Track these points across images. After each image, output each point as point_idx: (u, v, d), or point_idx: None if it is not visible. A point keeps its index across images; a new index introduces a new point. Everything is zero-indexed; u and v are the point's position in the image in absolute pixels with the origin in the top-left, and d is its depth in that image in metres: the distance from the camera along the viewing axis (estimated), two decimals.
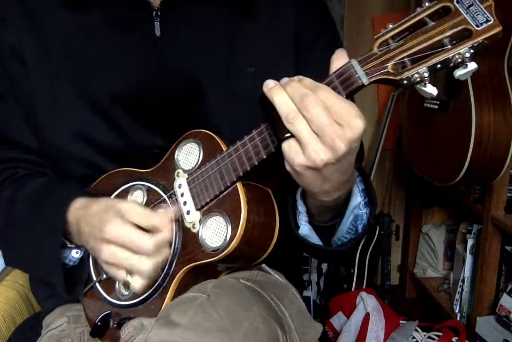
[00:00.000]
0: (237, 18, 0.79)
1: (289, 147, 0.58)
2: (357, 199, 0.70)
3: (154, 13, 0.76)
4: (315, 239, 0.74)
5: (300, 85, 0.57)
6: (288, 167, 0.61)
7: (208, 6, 0.78)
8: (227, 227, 0.66)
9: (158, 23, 0.77)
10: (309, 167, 0.58)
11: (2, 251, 0.86)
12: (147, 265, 0.66)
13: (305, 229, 0.73)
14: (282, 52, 0.81)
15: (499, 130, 1.45)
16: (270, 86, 0.59)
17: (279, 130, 0.59)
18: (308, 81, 0.58)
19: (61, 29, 0.79)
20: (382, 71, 0.56)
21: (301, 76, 0.59)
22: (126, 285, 0.69)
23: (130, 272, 0.67)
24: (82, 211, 0.72)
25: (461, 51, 0.53)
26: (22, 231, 0.79)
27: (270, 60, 0.80)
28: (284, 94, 0.57)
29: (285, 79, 0.60)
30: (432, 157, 1.71)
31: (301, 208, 0.73)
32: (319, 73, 0.60)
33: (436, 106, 1.61)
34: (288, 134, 0.58)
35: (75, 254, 0.77)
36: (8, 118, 0.82)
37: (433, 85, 0.56)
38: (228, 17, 0.79)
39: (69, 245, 0.77)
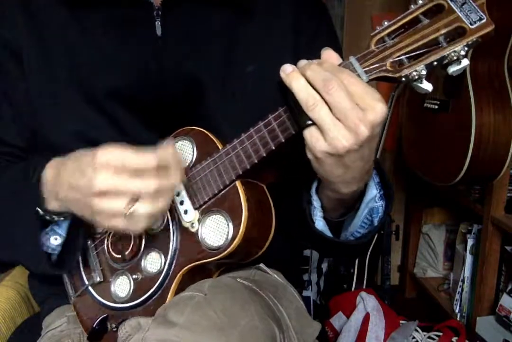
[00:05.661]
0: (237, 17, 0.80)
1: (310, 135, 0.58)
2: (373, 191, 0.70)
3: (155, 12, 0.77)
4: (329, 234, 0.74)
5: (320, 68, 0.56)
6: (309, 155, 0.60)
7: (208, 5, 0.79)
8: (228, 225, 0.66)
9: (159, 23, 0.77)
10: (330, 154, 0.57)
11: None
12: (151, 183, 0.59)
13: (320, 224, 0.73)
14: (281, 50, 0.81)
15: (499, 130, 1.45)
16: (288, 71, 0.58)
17: (299, 118, 0.58)
18: (328, 64, 0.57)
19: (62, 28, 0.79)
20: (381, 69, 0.57)
21: (320, 60, 0.58)
22: (126, 221, 0.60)
23: (132, 201, 0.60)
24: (58, 164, 0.67)
25: (456, 49, 0.54)
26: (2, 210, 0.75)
27: (269, 58, 0.80)
28: (303, 80, 0.57)
29: (303, 62, 0.59)
30: (432, 158, 1.71)
31: (316, 203, 0.73)
32: None
33: (436, 106, 1.61)
34: (309, 122, 0.57)
35: (54, 241, 0.72)
36: None
37: (429, 81, 0.57)
38: (227, 16, 0.80)
39: (42, 214, 0.70)
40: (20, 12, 0.79)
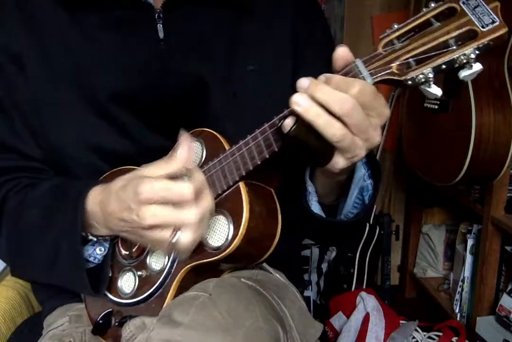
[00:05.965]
0: (237, 18, 0.80)
1: (334, 161, 0.60)
2: (361, 171, 0.72)
3: (156, 15, 0.77)
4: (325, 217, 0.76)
5: (330, 89, 0.55)
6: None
7: (208, 6, 0.79)
8: (228, 226, 0.66)
9: (161, 25, 0.77)
10: (348, 166, 0.61)
11: (13, 265, 0.83)
12: (193, 213, 0.60)
13: (316, 208, 0.75)
14: (281, 49, 0.82)
15: (499, 130, 1.45)
16: (304, 105, 0.56)
17: (323, 151, 0.59)
18: (336, 79, 0.56)
19: (62, 31, 0.78)
20: (387, 71, 0.56)
21: (327, 75, 0.57)
22: (173, 247, 0.62)
23: (177, 228, 0.62)
24: (102, 195, 0.68)
25: (466, 52, 0.53)
26: (37, 235, 0.75)
27: (269, 58, 0.81)
28: (325, 116, 0.55)
29: (305, 82, 0.56)
30: (432, 158, 1.71)
31: (310, 188, 0.74)
32: (315, 68, 0.60)
33: (436, 106, 1.61)
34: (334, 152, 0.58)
35: (99, 251, 0.75)
36: (6, 125, 0.80)
37: (438, 86, 0.55)
38: (228, 17, 0.80)
39: (91, 238, 0.73)
40: (17, 18, 0.78)
